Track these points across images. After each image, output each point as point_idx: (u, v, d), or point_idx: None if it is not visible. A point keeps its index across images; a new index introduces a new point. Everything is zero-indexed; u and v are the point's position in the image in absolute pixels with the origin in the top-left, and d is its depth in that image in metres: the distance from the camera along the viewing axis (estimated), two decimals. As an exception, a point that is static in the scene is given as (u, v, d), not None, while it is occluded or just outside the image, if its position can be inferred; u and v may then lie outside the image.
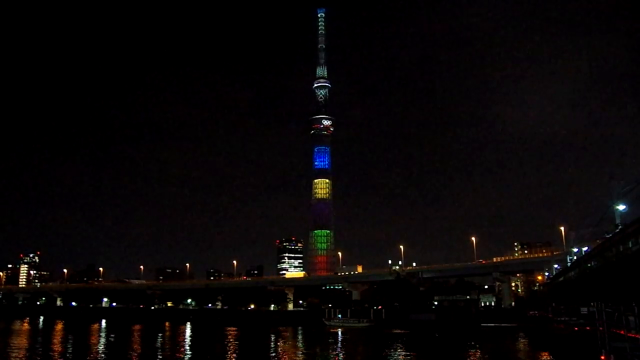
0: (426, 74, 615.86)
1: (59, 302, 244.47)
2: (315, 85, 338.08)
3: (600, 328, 43.51)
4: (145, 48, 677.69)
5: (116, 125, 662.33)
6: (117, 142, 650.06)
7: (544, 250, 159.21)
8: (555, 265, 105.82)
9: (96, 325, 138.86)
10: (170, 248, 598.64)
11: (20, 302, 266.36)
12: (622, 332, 41.68)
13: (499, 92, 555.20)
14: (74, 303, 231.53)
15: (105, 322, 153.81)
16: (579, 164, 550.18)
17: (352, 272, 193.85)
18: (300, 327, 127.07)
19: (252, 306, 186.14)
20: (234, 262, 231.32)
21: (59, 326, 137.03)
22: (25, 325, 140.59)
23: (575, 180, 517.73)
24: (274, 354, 74.43)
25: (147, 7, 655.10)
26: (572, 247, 79.22)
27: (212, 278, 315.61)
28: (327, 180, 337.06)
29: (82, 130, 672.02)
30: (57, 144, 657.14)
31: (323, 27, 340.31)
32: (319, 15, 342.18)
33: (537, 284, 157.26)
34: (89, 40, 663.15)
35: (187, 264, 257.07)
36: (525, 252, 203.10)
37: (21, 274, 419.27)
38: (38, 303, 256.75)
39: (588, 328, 70.15)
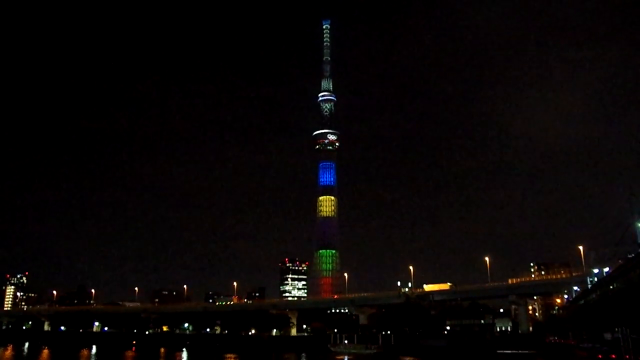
0: (434, 87, 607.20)
1: (46, 327, 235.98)
2: (321, 98, 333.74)
3: (627, 356, 39.58)
4: (145, 62, 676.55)
5: (110, 142, 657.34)
6: (111, 159, 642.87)
7: (563, 271, 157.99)
8: (575, 287, 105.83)
9: (86, 352, 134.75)
10: (167, 269, 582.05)
11: (4, 327, 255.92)
12: None
13: (512, 107, 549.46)
14: (62, 327, 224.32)
15: (96, 348, 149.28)
16: (597, 180, 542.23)
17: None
18: (304, 354, 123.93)
19: (253, 331, 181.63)
20: (234, 283, 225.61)
21: (45, 353, 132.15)
22: (8, 352, 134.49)
23: (594, 197, 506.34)
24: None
25: (149, 19, 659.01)
26: (592, 267, 78.72)
27: (210, 301, 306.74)
28: (333, 198, 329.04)
29: (72, 147, 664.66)
30: (46, 160, 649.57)
31: (328, 39, 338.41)
32: (324, 27, 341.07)
33: (556, 308, 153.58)
34: (84, 50, 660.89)
35: (185, 286, 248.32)
36: (543, 273, 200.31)
37: (7, 296, 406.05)
38: (24, 327, 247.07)
39: (614, 356, 64.87)
